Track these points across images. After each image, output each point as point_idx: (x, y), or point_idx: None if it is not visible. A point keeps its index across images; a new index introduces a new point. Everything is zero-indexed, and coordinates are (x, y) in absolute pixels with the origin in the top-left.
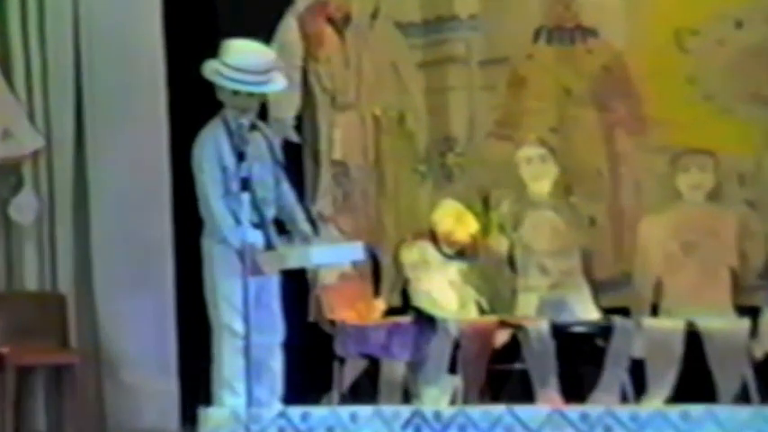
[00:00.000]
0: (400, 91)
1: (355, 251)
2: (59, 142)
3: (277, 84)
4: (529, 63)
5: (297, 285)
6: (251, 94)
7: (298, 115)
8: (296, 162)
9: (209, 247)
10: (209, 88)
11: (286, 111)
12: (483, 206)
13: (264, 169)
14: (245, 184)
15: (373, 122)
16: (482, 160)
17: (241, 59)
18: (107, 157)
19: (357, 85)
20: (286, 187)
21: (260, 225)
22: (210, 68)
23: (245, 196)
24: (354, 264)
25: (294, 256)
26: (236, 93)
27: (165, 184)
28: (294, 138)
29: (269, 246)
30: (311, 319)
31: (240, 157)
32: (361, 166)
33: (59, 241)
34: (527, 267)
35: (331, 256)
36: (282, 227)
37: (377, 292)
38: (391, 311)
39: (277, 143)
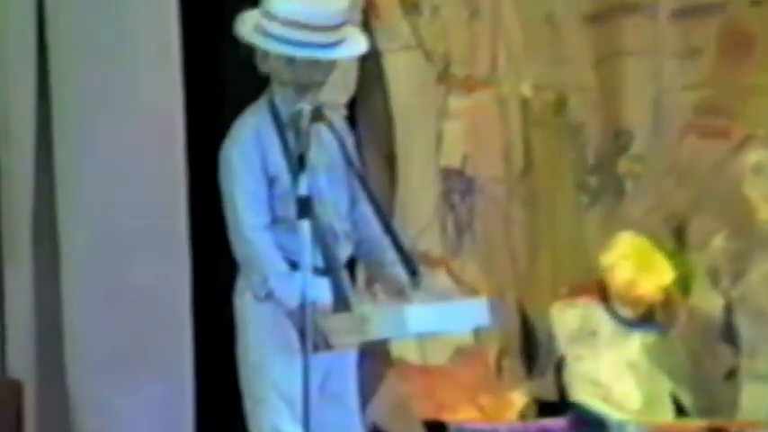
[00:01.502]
0: (558, 60)
1: (479, 313)
2: (16, 142)
3: (356, 44)
4: (756, 12)
5: (372, 361)
6: (315, 63)
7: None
8: None
9: (246, 306)
10: (245, 56)
11: (339, 92)
12: (678, 242)
13: (335, 184)
14: (306, 207)
15: (519, 108)
16: (675, 168)
17: (298, 8)
18: (88, 168)
19: (491, 49)
20: (367, 211)
21: (327, 271)
22: (249, 24)
23: (306, 226)
24: (477, 333)
25: (382, 322)
26: (291, 60)
27: (180, 208)
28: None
29: (341, 304)
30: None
31: (299, 163)
32: (496, 178)
33: (12, 298)
34: (756, 342)
35: (440, 320)
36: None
37: (526, 377)
38: (537, 408)
39: (351, 143)
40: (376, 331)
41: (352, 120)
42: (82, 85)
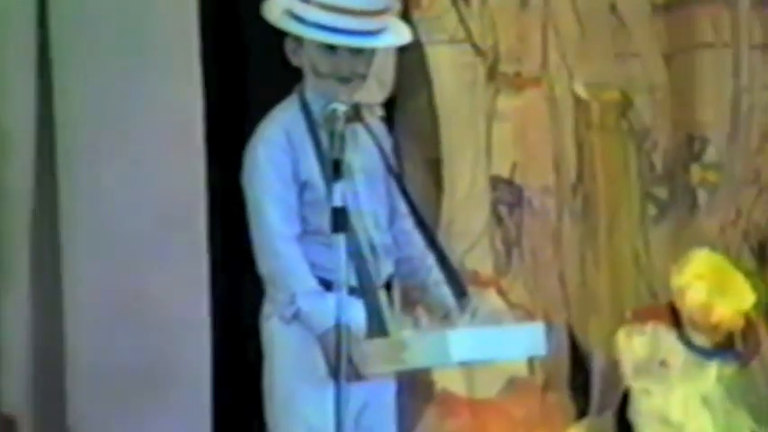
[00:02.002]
0: (622, 54)
1: (534, 340)
2: (15, 155)
3: (400, 32)
4: None
5: (412, 392)
6: (358, 52)
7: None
8: None
9: (273, 331)
10: (275, 47)
11: (374, 91)
12: (758, 261)
13: (374, 192)
14: (341, 219)
15: (574, 109)
16: (755, 177)
17: None
18: (95, 180)
19: (542, 42)
20: (409, 225)
21: (364, 291)
22: (277, 10)
23: (341, 240)
24: (531, 362)
25: (422, 349)
26: (331, 49)
27: (199, 221)
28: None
29: (376, 328)
30: None
31: (334, 170)
32: (547, 188)
33: (7, 324)
34: None
35: (489, 347)
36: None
37: (575, 412)
38: None
39: (389, 146)
40: (415, 359)
41: (389, 122)
42: (89, 90)
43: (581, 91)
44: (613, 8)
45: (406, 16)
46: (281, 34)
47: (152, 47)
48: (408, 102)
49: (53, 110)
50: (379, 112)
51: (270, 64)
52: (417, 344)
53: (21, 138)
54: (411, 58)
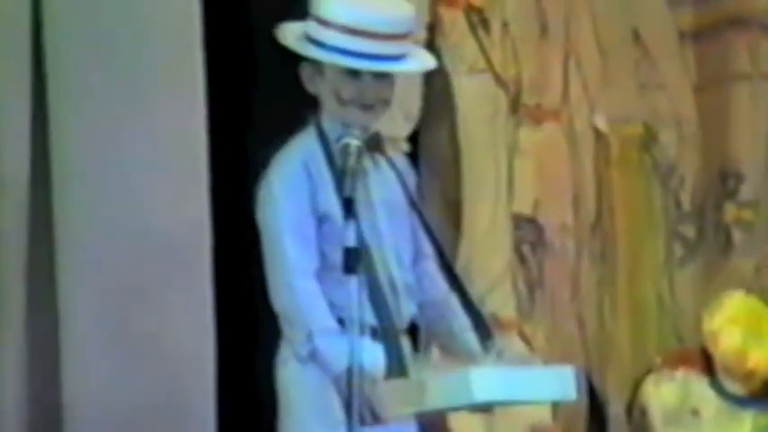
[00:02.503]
0: (647, 86)
1: (563, 383)
2: (9, 178)
3: (421, 59)
4: None
5: None
6: (382, 77)
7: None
8: None
9: (290, 377)
10: (283, 72)
11: (399, 124)
12: None
13: (397, 227)
14: (354, 260)
15: (594, 144)
16: None
17: (360, 12)
18: (93, 211)
19: (563, 73)
20: (433, 267)
21: (383, 333)
22: (293, 34)
23: (353, 282)
24: (555, 408)
25: (441, 389)
26: (355, 75)
27: (204, 256)
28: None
29: (396, 370)
30: None
31: (346, 209)
32: (565, 227)
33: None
34: None
35: (515, 388)
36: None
37: None
38: None
39: (413, 182)
40: (435, 400)
41: (414, 157)
42: (87, 118)
43: (601, 124)
44: (637, 37)
45: (432, 45)
46: (289, 59)
47: (154, 72)
48: (431, 136)
49: (48, 141)
50: (405, 146)
51: (278, 91)
52: (438, 384)
53: (15, 174)
54: (437, 89)
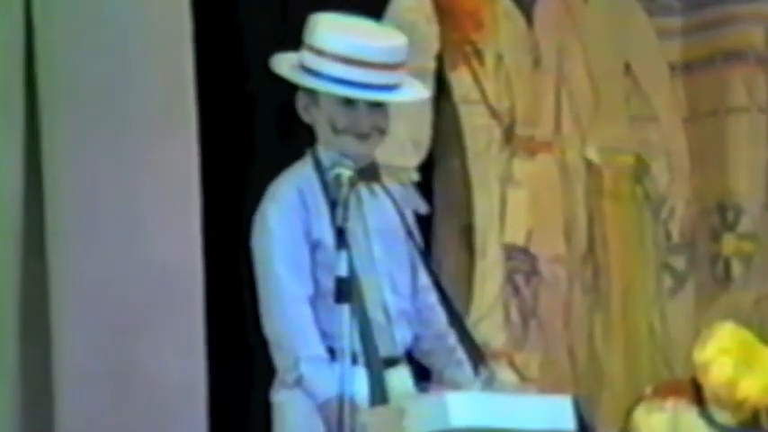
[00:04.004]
0: (638, 117)
1: (559, 412)
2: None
3: (416, 88)
4: None
5: None
6: (377, 106)
7: (423, 163)
8: None
9: (284, 406)
10: (278, 103)
11: (408, 153)
12: None
13: (393, 257)
14: (345, 290)
15: (586, 175)
16: None
17: (354, 41)
18: (87, 247)
19: (555, 105)
20: (432, 299)
21: (368, 361)
22: (290, 62)
23: (345, 311)
24: None
25: (421, 413)
26: (349, 103)
27: (197, 290)
28: (421, 206)
29: (380, 399)
30: None
31: (338, 239)
32: (560, 257)
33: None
34: None
35: (498, 416)
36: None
37: None
38: None
39: (411, 213)
40: (412, 426)
41: (428, 187)
42: (79, 154)
43: (593, 155)
44: (628, 69)
45: (440, 75)
46: (283, 90)
47: (147, 101)
48: (443, 166)
49: (42, 177)
50: (414, 176)
51: (272, 126)
52: (416, 410)
53: (8, 207)
54: (446, 119)
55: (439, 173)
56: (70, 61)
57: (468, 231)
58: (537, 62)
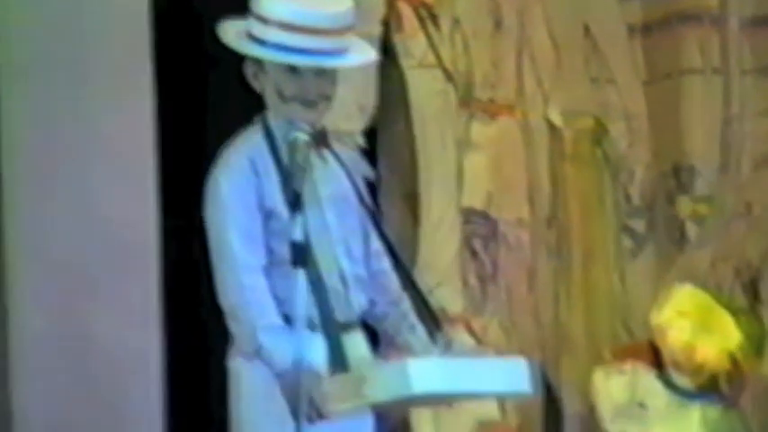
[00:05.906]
0: (597, 80)
1: (514, 375)
2: None
3: (363, 52)
4: None
5: None
6: (323, 73)
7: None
8: None
9: (238, 369)
10: (232, 74)
11: (354, 118)
12: (750, 298)
13: (345, 222)
14: (301, 254)
15: (549, 139)
16: (747, 210)
17: (298, 9)
18: (41, 213)
19: (517, 67)
20: (385, 264)
21: (325, 327)
22: (233, 32)
23: (300, 275)
24: (502, 404)
25: (382, 380)
26: (294, 71)
27: (152, 257)
28: (369, 172)
29: (339, 364)
30: None
31: (294, 203)
32: (521, 221)
33: None
34: None
35: (458, 381)
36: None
37: None
38: None
39: (361, 178)
40: (373, 393)
41: (372, 153)
42: (36, 118)
43: (555, 118)
44: (587, 31)
45: (387, 40)
46: (239, 57)
47: (102, 73)
48: (388, 132)
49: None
50: (360, 141)
51: (228, 90)
52: (377, 377)
53: None
54: (393, 84)
55: (383, 138)
56: (27, 28)
57: (413, 197)
58: (498, 25)
